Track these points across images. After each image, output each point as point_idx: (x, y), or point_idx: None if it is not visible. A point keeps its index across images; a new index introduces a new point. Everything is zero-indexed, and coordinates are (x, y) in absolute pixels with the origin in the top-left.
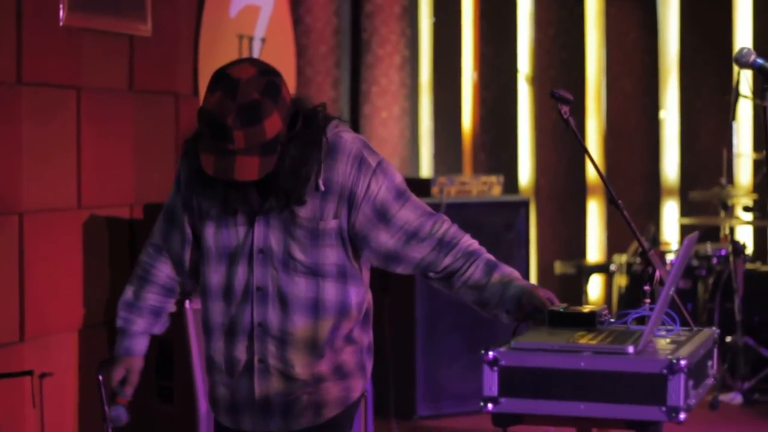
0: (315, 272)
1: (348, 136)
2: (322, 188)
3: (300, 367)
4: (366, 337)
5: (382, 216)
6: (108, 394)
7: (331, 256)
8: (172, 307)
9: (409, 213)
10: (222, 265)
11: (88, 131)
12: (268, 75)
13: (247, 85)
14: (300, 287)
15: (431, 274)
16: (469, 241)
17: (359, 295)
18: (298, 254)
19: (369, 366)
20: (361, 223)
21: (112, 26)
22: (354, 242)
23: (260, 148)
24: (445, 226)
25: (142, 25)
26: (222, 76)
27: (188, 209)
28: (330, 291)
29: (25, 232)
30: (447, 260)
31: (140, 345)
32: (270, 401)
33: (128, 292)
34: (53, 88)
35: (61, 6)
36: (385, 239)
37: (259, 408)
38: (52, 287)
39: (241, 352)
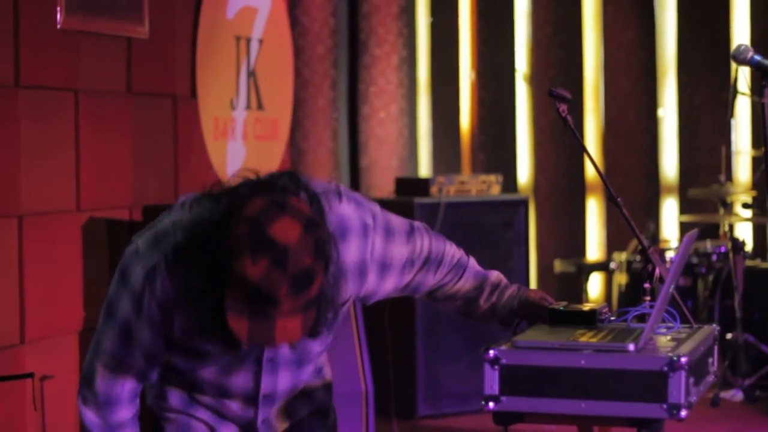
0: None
1: (345, 210)
2: (352, 262)
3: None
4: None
5: (385, 267)
6: None
7: (324, 342)
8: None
9: (399, 247)
10: (216, 366)
11: (87, 133)
12: (313, 231)
13: (296, 251)
14: (306, 370)
15: (417, 295)
16: (452, 252)
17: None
18: (315, 348)
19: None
20: (371, 285)
21: (110, 29)
22: (358, 300)
23: (304, 308)
24: (426, 243)
25: (140, 28)
26: (266, 242)
27: (162, 337)
28: (316, 347)
29: (24, 235)
30: (437, 276)
31: None
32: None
33: (95, 421)
34: (51, 91)
35: (58, 9)
36: (390, 285)
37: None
38: (52, 290)
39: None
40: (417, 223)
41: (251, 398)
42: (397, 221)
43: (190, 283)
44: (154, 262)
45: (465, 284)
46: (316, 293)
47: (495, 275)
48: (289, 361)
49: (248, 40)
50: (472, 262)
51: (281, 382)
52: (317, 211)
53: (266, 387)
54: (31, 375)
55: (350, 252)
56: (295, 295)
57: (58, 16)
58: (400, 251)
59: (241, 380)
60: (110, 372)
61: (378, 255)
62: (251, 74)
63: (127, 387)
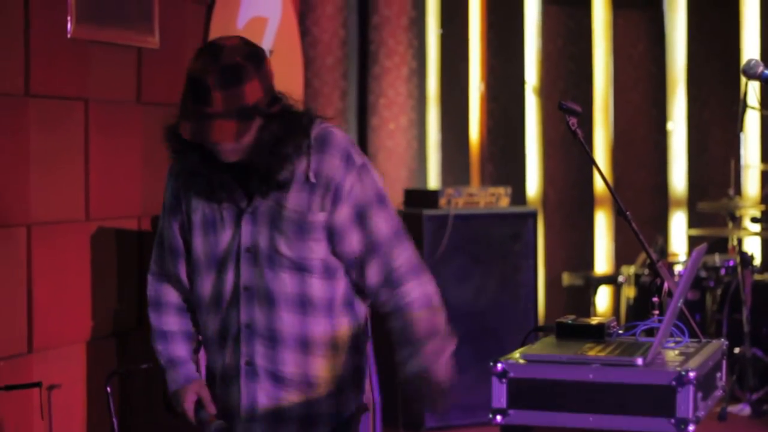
0: (300, 267)
1: (338, 132)
2: (313, 180)
3: (290, 366)
4: (364, 351)
5: (360, 218)
6: (198, 424)
7: (317, 250)
8: (191, 326)
9: (384, 224)
10: (211, 273)
11: (96, 143)
12: (252, 47)
13: (231, 50)
14: (285, 283)
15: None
16: (408, 292)
17: (347, 294)
18: (284, 248)
19: (366, 384)
20: (341, 221)
21: (120, 38)
22: (331, 239)
23: (238, 113)
24: (401, 261)
25: (150, 37)
26: (208, 44)
27: (177, 223)
28: (317, 287)
29: (33, 244)
30: (381, 297)
31: (192, 369)
32: (256, 407)
33: (154, 328)
34: (61, 100)
35: (68, 18)
36: (355, 242)
37: (246, 414)
38: (60, 299)
39: (229, 358)
40: (406, 237)
41: (236, 297)
42: (394, 212)
43: (178, 159)
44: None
45: (392, 328)
46: (252, 105)
47: (415, 339)
48: (266, 257)
49: None
50: (415, 312)
51: (261, 237)
52: (308, 117)
53: (246, 240)
54: (38, 384)
55: (325, 165)
56: (223, 85)
57: (69, 25)
58: (380, 225)
59: (229, 276)
60: (155, 278)
61: (356, 197)
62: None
63: (171, 295)
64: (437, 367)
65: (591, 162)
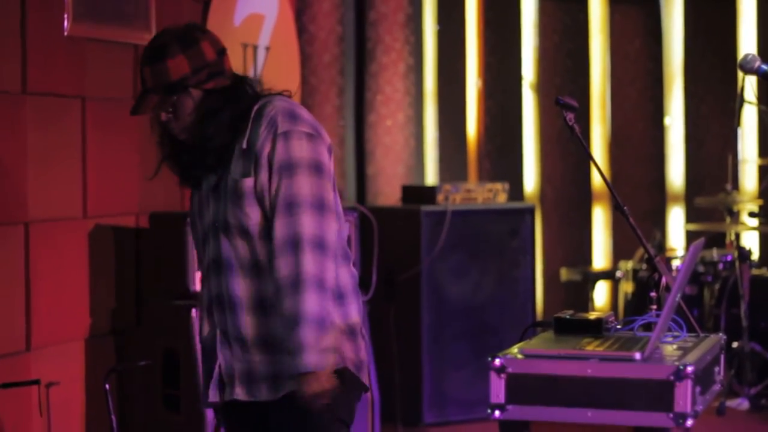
0: (245, 232)
1: (278, 103)
2: (244, 146)
3: (249, 329)
4: (339, 317)
5: (270, 182)
6: None
7: (253, 215)
8: None
9: (282, 192)
10: (204, 246)
11: (93, 140)
12: (192, 31)
13: (166, 32)
14: (239, 249)
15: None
16: (279, 269)
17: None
18: (230, 217)
19: (347, 349)
20: (261, 185)
21: (117, 36)
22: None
23: (164, 88)
24: (278, 233)
25: (147, 35)
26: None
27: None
28: (262, 252)
29: (31, 242)
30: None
31: None
32: (232, 370)
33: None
34: (58, 98)
35: (65, 16)
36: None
37: (226, 377)
38: (59, 297)
39: (209, 326)
40: (300, 211)
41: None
42: (302, 185)
43: None
44: None
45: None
46: (177, 80)
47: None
48: (222, 228)
49: (255, 48)
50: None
51: (220, 211)
52: (253, 91)
53: (212, 216)
54: (37, 382)
55: (255, 134)
56: (149, 63)
57: (65, 23)
58: (273, 190)
59: (208, 250)
60: None
61: (268, 163)
62: (258, 82)
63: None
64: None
65: (588, 157)
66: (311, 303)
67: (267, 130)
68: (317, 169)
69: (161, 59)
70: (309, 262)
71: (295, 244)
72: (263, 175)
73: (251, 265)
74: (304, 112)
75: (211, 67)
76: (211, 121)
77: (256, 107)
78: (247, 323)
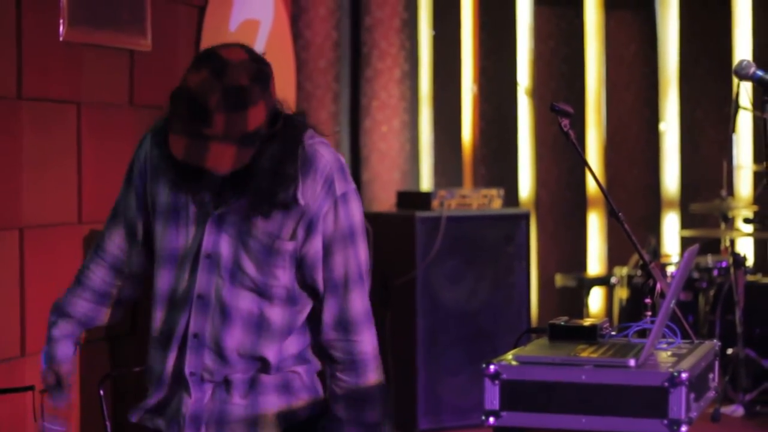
0: (262, 292)
1: (326, 152)
2: (302, 202)
3: (239, 379)
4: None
5: (326, 252)
6: (42, 408)
7: (282, 277)
8: (103, 317)
9: (346, 263)
10: (169, 269)
11: (89, 146)
12: (259, 63)
13: (237, 68)
14: (246, 302)
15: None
16: (363, 340)
17: (310, 319)
18: (249, 269)
19: (321, 389)
20: (313, 252)
21: (112, 41)
22: (300, 268)
23: (239, 139)
24: (358, 306)
25: (142, 40)
26: (211, 56)
27: (139, 200)
28: (276, 313)
29: (25, 247)
30: (331, 337)
31: (65, 350)
32: (201, 412)
33: (63, 295)
34: (53, 103)
35: (61, 21)
36: (320, 276)
37: (192, 421)
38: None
39: (172, 363)
40: (365, 283)
41: (185, 300)
42: (363, 254)
43: (157, 135)
44: (144, 136)
45: (334, 388)
46: (253, 131)
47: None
48: (227, 270)
49: None
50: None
51: (224, 246)
52: (302, 130)
53: (208, 246)
54: (31, 388)
55: (305, 188)
56: (227, 108)
57: (61, 28)
58: (338, 264)
59: (184, 277)
60: (95, 252)
61: (327, 230)
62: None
63: (98, 275)
64: None
65: (583, 163)
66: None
67: (325, 191)
68: (365, 230)
69: (243, 107)
70: (372, 338)
71: (370, 318)
72: (316, 243)
73: (256, 322)
74: (342, 160)
75: (276, 107)
76: (275, 165)
77: (301, 150)
78: (239, 375)
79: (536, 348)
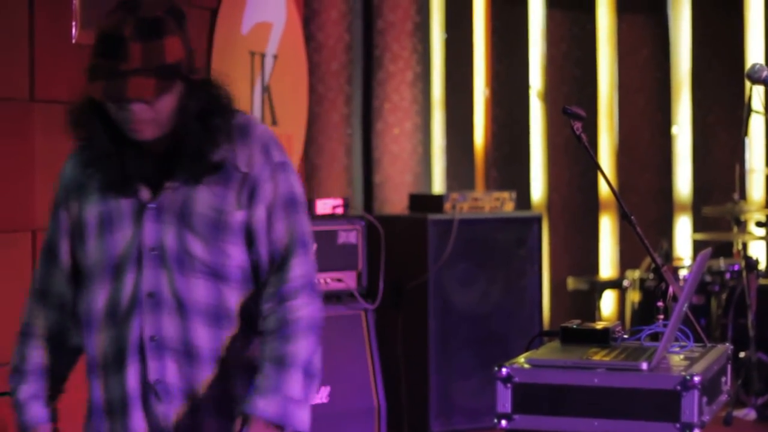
0: (216, 274)
1: (259, 123)
2: (244, 170)
3: (209, 386)
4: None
5: (268, 221)
6: None
7: (235, 255)
8: (66, 366)
9: (282, 230)
10: (106, 281)
11: None
12: (174, 2)
13: (150, 3)
14: (199, 291)
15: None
16: (298, 307)
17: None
18: (198, 251)
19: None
20: (257, 222)
21: None
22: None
23: (157, 70)
24: (297, 272)
25: None
26: (124, 0)
27: (67, 228)
28: (234, 298)
29: (38, 250)
30: (266, 306)
31: (35, 412)
32: (168, 428)
33: (14, 356)
34: (66, 105)
35: (73, 23)
36: (263, 246)
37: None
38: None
39: (132, 379)
40: (310, 248)
41: (134, 302)
42: (305, 221)
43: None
44: (63, 166)
45: (265, 348)
46: (172, 64)
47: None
48: (175, 260)
49: (263, 56)
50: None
51: (167, 235)
52: (229, 96)
53: (150, 238)
54: None
55: (244, 157)
56: (142, 37)
57: (73, 30)
58: (280, 231)
59: (128, 281)
60: (34, 297)
61: (270, 198)
62: (266, 90)
63: (46, 319)
64: (295, 420)
65: (596, 166)
66: (318, 357)
67: (263, 157)
68: (305, 202)
69: (158, 36)
70: (321, 311)
71: (312, 287)
72: (260, 211)
73: (213, 313)
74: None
75: (193, 56)
76: (201, 121)
77: (235, 121)
78: (207, 379)
79: (548, 351)
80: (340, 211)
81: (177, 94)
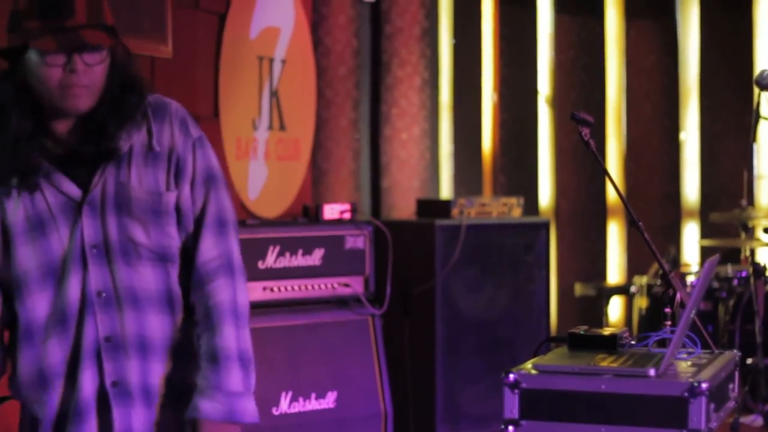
0: (163, 257)
1: (172, 100)
2: (157, 149)
3: (162, 379)
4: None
5: (192, 197)
6: None
7: (176, 236)
8: None
9: (201, 206)
10: (47, 287)
11: None
12: None
13: None
14: (148, 279)
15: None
16: (216, 291)
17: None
18: (140, 236)
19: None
20: (183, 201)
21: (133, 48)
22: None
23: (103, 28)
24: (213, 253)
25: (163, 47)
26: None
27: None
28: (176, 281)
29: None
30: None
31: None
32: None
33: None
34: None
35: None
36: (189, 224)
37: None
38: None
39: (87, 385)
40: (231, 226)
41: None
42: (225, 197)
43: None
44: None
45: (201, 337)
46: (112, 26)
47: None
48: (119, 252)
49: (271, 61)
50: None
51: (109, 228)
52: (141, 76)
53: (90, 236)
54: None
55: (164, 134)
56: None
57: None
58: (197, 206)
59: (73, 284)
60: None
61: (191, 173)
62: (274, 94)
63: None
64: (242, 414)
65: (603, 172)
66: (247, 339)
67: (183, 133)
68: (219, 176)
69: None
70: (243, 291)
71: (230, 267)
72: (186, 189)
73: (166, 298)
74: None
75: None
76: (118, 100)
77: (149, 99)
78: (160, 372)
79: (556, 357)
80: (347, 216)
81: (106, 64)
